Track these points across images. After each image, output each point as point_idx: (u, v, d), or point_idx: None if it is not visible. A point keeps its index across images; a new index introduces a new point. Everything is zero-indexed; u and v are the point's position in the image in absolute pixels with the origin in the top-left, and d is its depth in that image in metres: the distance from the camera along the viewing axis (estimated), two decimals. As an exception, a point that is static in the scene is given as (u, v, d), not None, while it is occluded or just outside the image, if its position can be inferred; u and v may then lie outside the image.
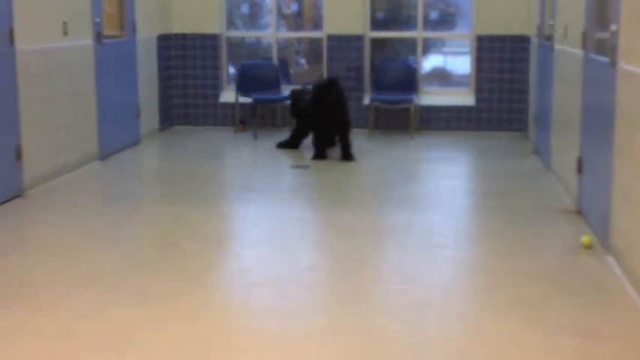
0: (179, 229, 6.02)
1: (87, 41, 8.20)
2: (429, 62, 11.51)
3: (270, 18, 11.17)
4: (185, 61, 10.88)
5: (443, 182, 7.67)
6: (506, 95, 10.40)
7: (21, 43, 6.85)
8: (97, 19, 8.38)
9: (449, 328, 4.15)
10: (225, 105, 10.87)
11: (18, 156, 6.84)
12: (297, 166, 8.39)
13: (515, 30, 10.27)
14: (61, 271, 4.98)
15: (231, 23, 11.30)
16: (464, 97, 10.66)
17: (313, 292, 4.75)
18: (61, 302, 4.44)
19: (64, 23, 7.68)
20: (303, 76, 11.67)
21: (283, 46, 11.60)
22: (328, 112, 8.66)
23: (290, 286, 4.76)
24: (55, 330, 4.06)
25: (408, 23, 11.02)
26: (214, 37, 10.86)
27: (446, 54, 12.18)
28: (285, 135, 9.63)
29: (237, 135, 10.28)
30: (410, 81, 10.51)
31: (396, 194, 7.06)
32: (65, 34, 7.70)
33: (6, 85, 6.68)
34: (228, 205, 6.98)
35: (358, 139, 9.65)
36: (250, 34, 11.73)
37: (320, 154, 8.71)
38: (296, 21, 11.80)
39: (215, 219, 6.38)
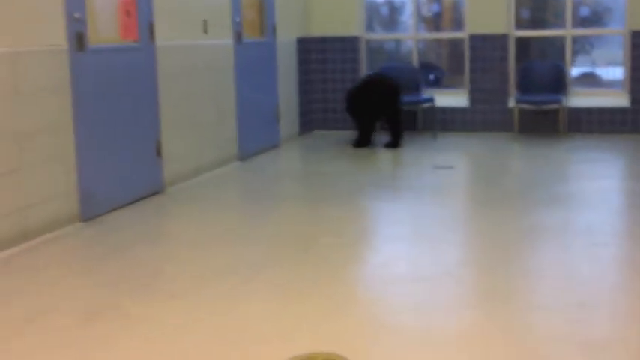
0: (318, 225, 5.79)
1: (227, 40, 8.15)
2: (577, 68, 10.87)
3: (409, 21, 10.87)
4: (325, 64, 10.73)
5: (598, 183, 7.11)
6: (665, 95, 9.69)
7: (161, 39, 6.84)
8: (237, 19, 8.32)
9: (624, 328, 3.69)
10: (365, 109, 10.62)
11: (158, 151, 6.81)
12: (440, 167, 8.02)
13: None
14: (196, 264, 4.84)
15: (370, 28, 11.08)
16: (617, 99, 10.00)
17: (462, 288, 4.39)
18: (193, 293, 4.27)
19: (204, 21, 7.64)
20: (445, 81, 11.33)
21: (423, 50, 11.27)
22: (375, 98, 9.15)
23: (438, 281, 4.42)
24: (183, 320, 3.88)
25: (555, 22, 10.48)
26: (354, 40, 10.66)
27: (594, 61, 11.48)
28: (423, 137, 9.30)
29: (376, 138, 10.01)
30: (558, 82, 9.95)
31: (547, 194, 6.59)
32: (205, 32, 7.67)
33: (147, 80, 6.67)
34: (369, 202, 6.69)
35: (502, 142, 9.18)
36: (390, 37, 11.47)
37: (362, 142, 9.27)
38: (436, 23, 11.46)
39: (355, 215, 6.11)
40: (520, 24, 10.37)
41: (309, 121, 10.66)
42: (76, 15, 5.71)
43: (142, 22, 6.63)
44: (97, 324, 3.82)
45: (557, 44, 10.49)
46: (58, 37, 5.57)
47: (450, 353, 3.45)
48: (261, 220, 5.99)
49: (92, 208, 5.92)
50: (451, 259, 4.89)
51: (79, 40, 5.75)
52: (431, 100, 9.97)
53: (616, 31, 10.28)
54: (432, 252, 5.05)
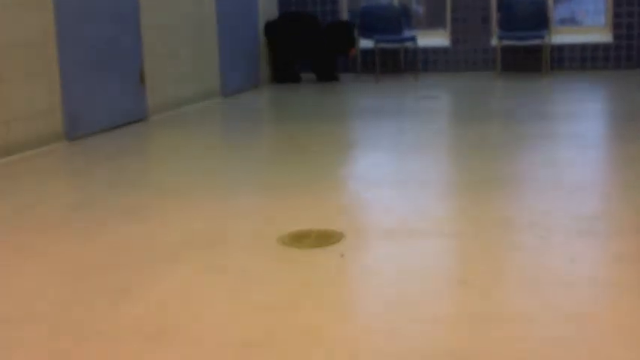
0: (308, 139, 5.77)
1: (208, -27, 8.09)
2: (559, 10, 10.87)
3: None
4: (305, 6, 10.66)
5: (581, 105, 7.12)
6: (647, 29, 9.72)
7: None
8: (218, -47, 8.25)
9: (613, 204, 3.70)
10: (347, 51, 10.58)
11: (141, 79, 6.76)
12: (424, 97, 8.01)
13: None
14: (186, 169, 4.81)
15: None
16: (599, 35, 10.01)
17: (452, 180, 4.40)
18: (184, 191, 4.25)
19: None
20: (423, 22, 11.28)
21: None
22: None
23: (425, 179, 4.41)
24: (176, 210, 3.86)
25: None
26: (335, -17, 10.61)
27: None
28: (405, 78, 9.27)
29: (359, 78, 9.98)
30: (540, 18, 9.94)
31: (533, 113, 6.60)
32: (187, -39, 7.60)
33: (128, 5, 6.60)
34: (356, 122, 6.67)
35: (485, 80, 9.18)
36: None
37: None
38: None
39: (343, 131, 6.10)
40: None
41: (291, 65, 10.60)
42: None
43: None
44: (85, 213, 3.78)
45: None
46: (37, -49, 5.49)
47: (439, 228, 3.45)
48: (250, 135, 5.97)
49: (77, 128, 5.87)
50: (441, 161, 4.89)
51: (59, -44, 5.67)
52: (412, 39, 9.94)
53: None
54: (423, 155, 5.05)
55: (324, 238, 3.25)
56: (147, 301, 2.56)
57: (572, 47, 9.91)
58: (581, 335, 2.19)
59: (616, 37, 9.80)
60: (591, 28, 10.34)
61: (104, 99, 6.21)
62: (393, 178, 4.36)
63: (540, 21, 9.89)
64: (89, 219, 3.65)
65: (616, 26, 9.79)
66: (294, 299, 2.55)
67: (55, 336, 2.30)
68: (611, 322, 2.29)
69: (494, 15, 10.19)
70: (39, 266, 2.97)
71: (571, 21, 11.09)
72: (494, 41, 10.07)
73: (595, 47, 9.87)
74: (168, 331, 2.31)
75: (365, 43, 10.31)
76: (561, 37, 10.07)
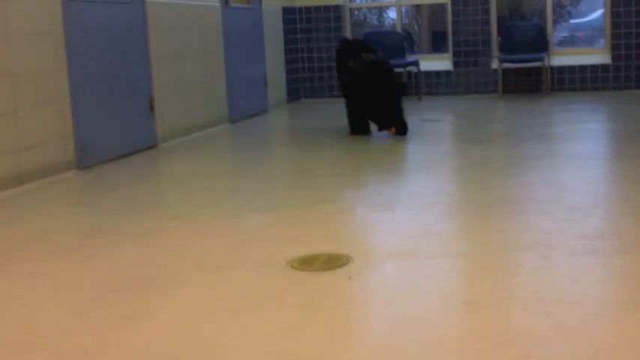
0: (312, 162, 5.89)
1: (214, 2, 8.24)
2: (558, 33, 11.03)
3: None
4: (310, 33, 10.83)
5: (581, 125, 7.23)
6: (646, 50, 9.85)
7: (151, -5, 6.93)
8: (223, -18, 8.42)
9: (615, 223, 3.80)
10: (350, 76, 10.73)
11: (151, 107, 6.89)
12: (428, 120, 8.13)
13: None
14: (196, 192, 4.93)
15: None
16: (598, 56, 10.15)
17: (458, 201, 4.50)
18: (195, 214, 4.36)
19: (192, -19, 7.75)
20: (426, 46, 11.45)
21: (405, 20, 11.39)
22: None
23: (433, 198, 4.52)
24: (187, 233, 3.96)
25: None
26: (338, 9, 10.76)
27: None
28: (409, 101, 9.38)
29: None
30: (540, 41, 10.08)
31: (534, 134, 6.72)
32: (193, -9, 7.77)
33: (138, 35, 6.75)
34: (359, 145, 6.79)
35: (487, 101, 9.29)
36: (373, 5, 11.59)
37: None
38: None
39: (347, 154, 6.21)
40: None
41: (296, 89, 10.75)
42: (66, -36, 5.78)
43: (130, -23, 6.71)
44: (97, 240, 3.88)
45: (538, 5, 10.65)
46: (49, -15, 5.64)
47: (444, 249, 3.55)
48: (256, 160, 6.09)
49: (88, 156, 5.99)
50: (445, 183, 5.00)
51: (69, -10, 5.82)
52: (415, 62, 10.10)
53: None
54: (427, 177, 5.15)
55: (332, 261, 3.36)
56: (157, 327, 2.66)
57: (572, 69, 10.04)
58: (587, 353, 2.28)
59: (614, 58, 9.93)
60: (590, 50, 10.48)
61: (115, 127, 6.35)
62: (398, 199, 4.46)
63: (540, 44, 10.03)
64: (100, 246, 3.76)
65: (614, 47, 9.93)
66: (303, 322, 2.65)
67: None
68: (617, 340, 2.38)
69: (495, 38, 10.34)
70: (50, 293, 3.07)
71: (570, 42, 11.24)
72: (495, 64, 10.21)
73: (594, 68, 10.00)
74: (177, 357, 2.40)
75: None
76: (560, 58, 10.21)
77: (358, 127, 7.21)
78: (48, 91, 5.57)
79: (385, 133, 7.11)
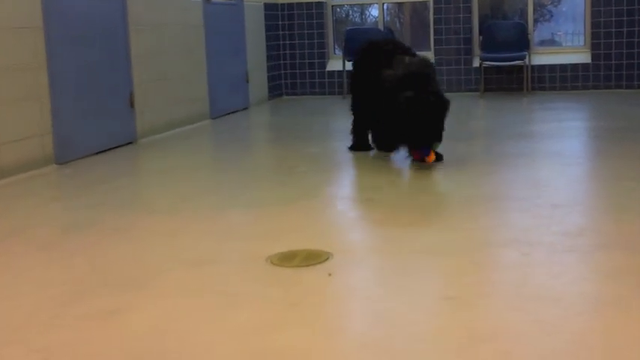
0: (294, 159, 5.87)
1: (195, -2, 8.22)
2: (539, 32, 11.07)
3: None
4: (292, 30, 10.80)
5: (562, 124, 7.26)
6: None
7: (131, -10, 6.88)
8: (204, -22, 8.38)
9: (594, 220, 3.82)
10: (332, 73, 10.73)
11: (131, 103, 6.85)
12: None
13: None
14: (177, 187, 4.90)
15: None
16: (578, 55, 10.19)
17: (437, 196, 4.50)
18: (176, 209, 4.33)
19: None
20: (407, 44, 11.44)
21: (387, 17, 11.39)
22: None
23: (416, 193, 4.52)
24: (168, 229, 3.94)
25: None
26: (320, 6, 10.75)
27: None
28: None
29: (346, 101, 10.08)
30: (521, 40, 10.11)
31: (515, 132, 6.74)
32: (174, -13, 7.72)
33: (118, 30, 6.70)
34: (340, 143, 6.78)
35: (468, 100, 9.30)
36: (355, 2, 11.57)
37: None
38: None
39: (328, 152, 6.20)
40: (483, -15, 10.55)
41: (277, 86, 10.73)
42: (46, -42, 5.73)
43: (111, -28, 6.66)
44: (76, 235, 3.84)
45: (519, 4, 10.69)
46: (28, -22, 5.59)
47: (424, 246, 3.55)
48: (237, 156, 6.07)
49: (67, 151, 5.95)
50: (425, 180, 4.99)
51: (49, -17, 5.77)
52: (397, 60, 10.07)
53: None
54: (405, 176, 5.15)
55: (312, 258, 3.35)
56: (135, 323, 2.64)
57: (553, 68, 10.09)
58: (568, 349, 2.29)
59: (594, 57, 9.98)
60: (570, 49, 10.53)
61: (94, 123, 6.30)
62: (379, 197, 4.46)
63: (521, 43, 10.06)
64: (79, 241, 3.73)
65: (594, 47, 9.98)
66: (283, 318, 2.64)
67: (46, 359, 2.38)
68: (598, 337, 2.38)
69: (477, 37, 10.36)
70: (29, 289, 3.04)
71: (551, 42, 11.28)
72: (476, 62, 10.23)
73: (574, 67, 10.05)
74: (157, 353, 2.38)
75: (349, 66, 10.42)
76: (541, 57, 10.25)
77: (361, 144, 6.12)
78: (27, 86, 5.52)
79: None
